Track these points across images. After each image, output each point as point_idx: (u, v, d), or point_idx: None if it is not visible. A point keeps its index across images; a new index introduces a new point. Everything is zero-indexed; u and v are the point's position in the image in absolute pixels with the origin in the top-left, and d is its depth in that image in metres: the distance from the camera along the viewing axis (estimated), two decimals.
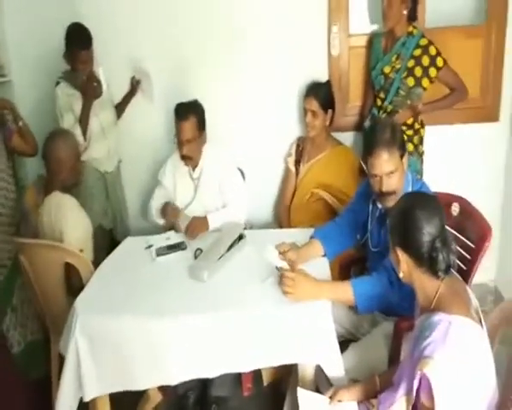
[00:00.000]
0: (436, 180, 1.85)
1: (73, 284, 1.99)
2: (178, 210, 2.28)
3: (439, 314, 1.19)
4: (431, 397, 1.12)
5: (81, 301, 1.74)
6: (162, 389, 2.23)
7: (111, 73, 2.55)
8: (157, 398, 2.24)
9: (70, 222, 2.00)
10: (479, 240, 1.68)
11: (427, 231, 1.22)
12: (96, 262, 2.02)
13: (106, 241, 2.58)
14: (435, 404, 1.11)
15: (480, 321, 1.23)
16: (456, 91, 2.30)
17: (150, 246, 2.10)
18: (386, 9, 2.23)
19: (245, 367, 1.70)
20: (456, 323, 1.17)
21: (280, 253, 1.78)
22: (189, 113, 2.20)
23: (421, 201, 1.29)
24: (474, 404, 1.18)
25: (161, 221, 2.37)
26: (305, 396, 1.46)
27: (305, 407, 1.43)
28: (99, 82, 2.43)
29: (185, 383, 1.77)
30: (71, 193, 2.11)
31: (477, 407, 1.18)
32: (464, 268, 1.70)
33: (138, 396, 2.16)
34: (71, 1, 2.53)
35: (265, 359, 1.66)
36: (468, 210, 1.77)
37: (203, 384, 2.18)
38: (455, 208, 1.29)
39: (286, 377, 2.08)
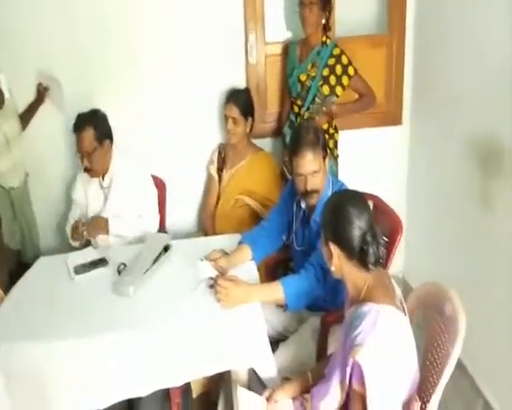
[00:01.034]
0: (350, 180, 1.97)
1: None
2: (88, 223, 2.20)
3: (367, 305, 1.25)
4: (362, 383, 1.18)
5: None
6: None
7: (15, 79, 2.39)
8: None
9: None
10: (392, 233, 1.81)
11: (358, 225, 1.28)
12: (4, 287, 1.87)
13: (13, 263, 2.39)
14: (366, 388, 1.17)
15: (404, 309, 1.32)
16: (365, 97, 2.46)
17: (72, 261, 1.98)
18: (307, 15, 2.30)
19: (179, 381, 1.65)
20: (383, 312, 1.23)
21: (211, 260, 1.78)
22: (86, 124, 2.16)
23: (351, 198, 1.35)
24: (400, 385, 1.26)
25: (76, 244, 2.27)
26: (244, 395, 1.46)
27: (243, 406, 1.43)
28: (0, 91, 2.25)
29: (111, 407, 1.67)
30: None
31: (403, 387, 1.26)
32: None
33: None
34: None
35: (199, 369, 1.64)
36: (380, 207, 1.89)
37: (129, 406, 2.08)
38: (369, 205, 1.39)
39: (215, 386, 2.07)
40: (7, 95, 2.32)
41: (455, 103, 2.32)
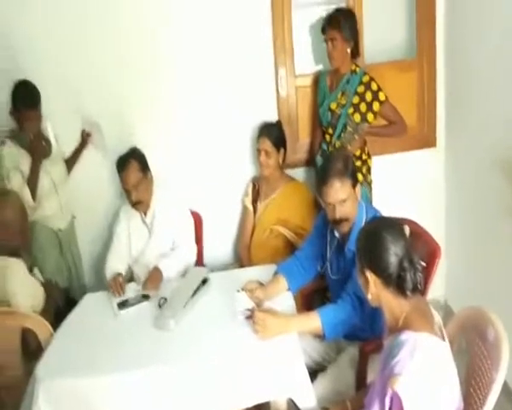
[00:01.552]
0: (384, 206, 1.96)
1: (31, 349, 1.88)
2: (124, 285, 2.18)
3: (406, 333, 1.23)
4: None
5: (43, 365, 1.67)
6: None
7: (59, 126, 2.53)
8: None
9: (17, 287, 1.91)
10: (430, 258, 1.77)
11: (394, 251, 1.27)
12: (52, 323, 1.93)
13: (61, 300, 2.48)
14: None
15: (443, 337, 1.28)
16: (396, 125, 2.45)
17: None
18: (330, 51, 2.35)
19: None
20: (421, 340, 1.21)
21: (247, 291, 1.80)
22: (129, 159, 2.26)
23: (386, 224, 1.34)
24: None
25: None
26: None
27: None
28: (47, 141, 2.40)
29: None
30: (21, 256, 2.02)
31: None
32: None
33: None
34: (13, 55, 2.48)
35: (239, 401, 1.64)
36: (417, 231, 1.86)
37: None
38: (406, 231, 1.36)
39: None
40: (53, 142, 2.46)
41: (488, 124, 2.28)
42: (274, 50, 2.64)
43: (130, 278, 2.40)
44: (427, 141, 2.79)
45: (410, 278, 1.25)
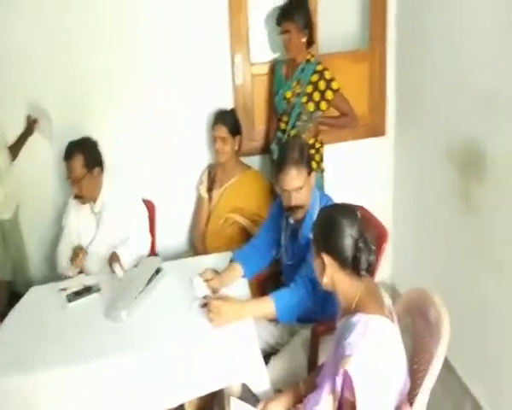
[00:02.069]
0: (336, 192, 2.01)
1: None
2: (82, 260, 2.21)
3: (358, 315, 1.28)
4: (353, 392, 1.20)
5: None
6: None
7: (1, 111, 2.42)
8: None
9: None
10: (378, 242, 1.81)
11: (350, 233, 1.31)
12: None
13: (5, 294, 2.40)
14: (356, 398, 1.19)
15: (393, 319, 1.34)
16: (346, 117, 2.49)
17: (64, 289, 1.99)
18: (286, 42, 2.38)
19: (174, 402, 1.66)
20: (372, 322, 1.26)
21: (205, 280, 1.81)
22: (75, 151, 2.18)
23: (341, 209, 1.39)
24: (390, 392, 1.28)
25: (72, 272, 2.26)
26: (237, 407, 1.47)
27: None
28: None
29: None
30: None
31: (393, 394, 1.28)
32: None
33: None
34: None
35: (195, 389, 1.65)
36: (366, 217, 1.91)
37: None
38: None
39: (209, 404, 2.06)
40: None
41: (436, 113, 2.38)
42: (230, 38, 2.62)
43: (80, 269, 2.32)
44: (378, 130, 2.88)
45: (365, 259, 1.31)
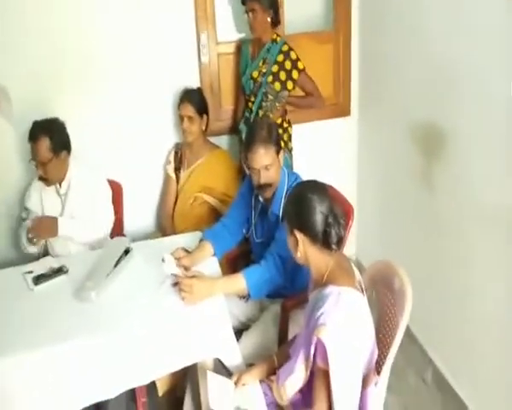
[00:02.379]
0: (304, 171, 2.05)
1: None
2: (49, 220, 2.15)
3: (329, 287, 1.34)
4: (326, 360, 1.26)
5: None
6: None
7: None
8: None
9: None
10: (344, 219, 1.90)
11: (320, 210, 1.36)
12: None
13: None
14: (329, 364, 1.25)
15: (362, 290, 1.41)
16: (312, 97, 2.54)
17: (30, 272, 1.95)
18: (251, 21, 2.37)
19: (148, 378, 1.68)
20: (344, 293, 1.32)
21: (175, 259, 1.81)
22: (41, 133, 2.09)
23: (311, 187, 1.43)
24: (360, 361, 1.35)
25: (34, 249, 2.23)
26: (213, 379, 1.51)
27: (213, 389, 1.48)
28: None
29: None
30: None
31: (362, 362, 1.36)
32: None
33: None
34: None
35: (167, 365, 1.67)
36: (332, 194, 1.96)
37: (97, 408, 2.08)
38: None
39: (180, 382, 2.10)
40: None
41: (398, 93, 2.45)
42: (196, 17, 2.59)
43: (45, 252, 2.30)
44: (343, 110, 2.94)
45: (334, 233, 1.35)
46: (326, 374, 1.27)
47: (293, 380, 1.35)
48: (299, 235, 1.39)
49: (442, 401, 2.17)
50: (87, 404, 1.62)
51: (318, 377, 1.31)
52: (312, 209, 1.36)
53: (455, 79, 1.94)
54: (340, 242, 1.38)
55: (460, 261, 2.04)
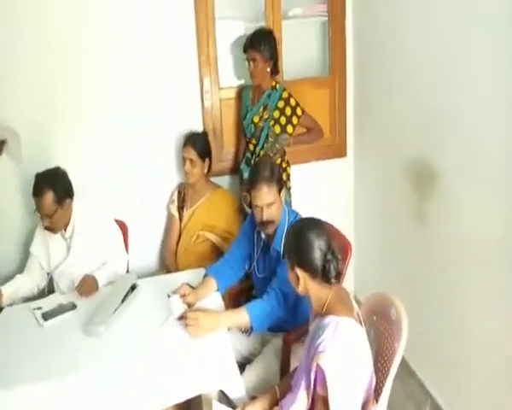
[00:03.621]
0: (302, 209, 2.13)
1: None
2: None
3: (329, 317, 1.40)
4: (325, 386, 1.30)
5: None
6: None
7: None
8: None
9: None
10: (343, 255, 1.96)
11: (318, 246, 1.43)
12: None
13: None
14: (328, 391, 1.29)
15: (360, 321, 1.47)
16: (313, 131, 2.69)
17: (39, 308, 2.00)
18: (252, 70, 2.51)
19: (155, 408, 1.71)
20: (342, 322, 1.38)
21: (181, 296, 1.87)
22: (44, 187, 2.10)
23: (309, 224, 1.51)
24: (359, 388, 1.39)
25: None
26: (219, 409, 1.54)
27: None
28: None
29: None
30: None
31: (360, 389, 1.40)
32: None
33: None
34: None
35: (172, 397, 1.68)
36: (331, 231, 2.04)
37: None
38: None
39: None
40: None
41: (392, 134, 2.58)
42: (199, 63, 2.73)
43: (51, 288, 2.35)
44: (339, 151, 3.07)
45: (333, 268, 1.43)
46: (326, 401, 1.31)
47: (296, 408, 1.39)
48: (299, 271, 1.46)
49: None
50: None
51: (318, 403, 1.35)
52: (311, 246, 1.43)
53: (444, 120, 2.05)
54: (339, 276, 1.45)
55: (453, 292, 2.10)
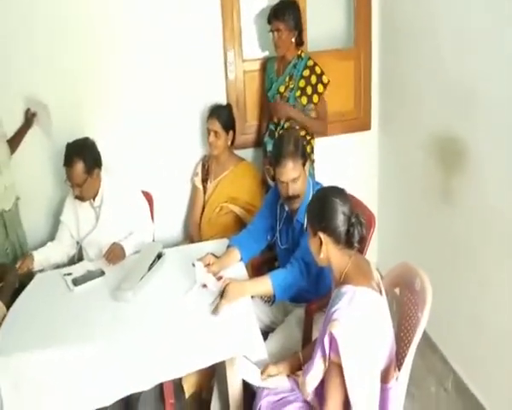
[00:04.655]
0: (325, 183, 2.13)
1: None
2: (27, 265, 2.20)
3: (346, 286, 1.42)
4: (338, 354, 1.33)
5: None
6: None
7: (1, 105, 2.47)
8: None
9: None
10: (366, 227, 1.97)
11: (342, 211, 1.45)
12: (8, 304, 1.94)
13: (17, 281, 2.45)
14: (341, 358, 1.32)
15: (381, 291, 1.48)
16: (319, 121, 2.59)
17: (69, 274, 2.08)
18: (276, 40, 2.49)
19: (180, 373, 1.79)
20: (359, 292, 1.40)
21: (205, 265, 1.92)
22: (74, 157, 2.18)
23: (333, 190, 1.53)
24: (376, 356, 1.41)
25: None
26: (244, 364, 1.61)
27: (243, 365, 1.59)
28: None
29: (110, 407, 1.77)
30: None
31: (378, 357, 1.42)
32: None
33: None
34: None
35: (198, 362, 1.76)
36: (355, 203, 2.03)
37: (127, 408, 2.17)
38: None
39: (207, 384, 2.21)
40: None
41: (418, 107, 2.53)
42: (223, 35, 2.72)
43: (80, 256, 2.43)
44: (363, 124, 3.03)
45: (357, 232, 1.45)
46: (340, 367, 1.34)
47: (313, 375, 1.43)
48: (322, 236, 1.47)
49: (462, 406, 2.20)
50: (121, 396, 1.72)
51: (332, 370, 1.38)
52: (335, 210, 1.45)
53: (472, 93, 2.01)
54: (362, 241, 1.47)
55: (478, 270, 2.09)
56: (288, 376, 1.64)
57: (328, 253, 1.49)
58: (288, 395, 1.57)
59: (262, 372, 1.63)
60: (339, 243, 1.47)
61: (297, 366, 1.63)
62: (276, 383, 1.61)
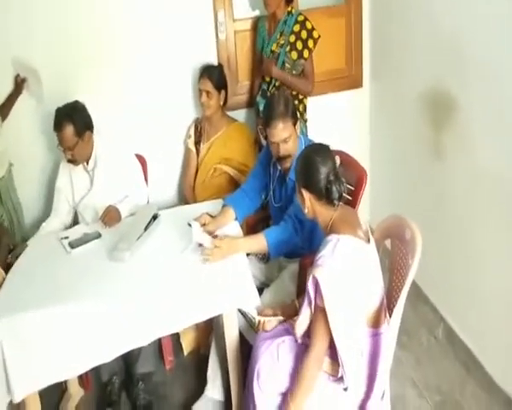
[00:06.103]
0: (318, 140, 2.14)
1: None
2: None
3: (331, 235, 1.48)
4: (322, 299, 1.39)
5: None
6: (83, 382, 2.29)
7: None
8: (78, 394, 2.27)
9: None
10: (358, 183, 2.01)
11: (323, 170, 1.51)
12: (4, 267, 1.97)
13: (13, 243, 2.46)
14: (325, 302, 1.38)
15: (368, 239, 1.53)
16: (305, 79, 2.56)
17: (66, 237, 2.10)
18: None
19: (178, 327, 1.85)
20: (343, 240, 1.45)
21: (201, 225, 1.95)
22: (64, 121, 2.17)
23: (316, 149, 1.59)
24: (360, 301, 1.46)
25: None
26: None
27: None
28: None
29: (109, 368, 1.85)
30: None
31: (364, 302, 1.48)
32: None
33: (59, 397, 2.23)
34: None
35: (196, 316, 1.82)
36: (347, 160, 2.07)
37: (126, 366, 2.26)
38: (337, 160, 1.59)
39: (205, 341, 2.28)
40: None
41: (408, 64, 2.52)
42: None
43: (76, 221, 2.44)
44: (355, 82, 3.02)
45: (336, 189, 1.50)
46: (325, 313, 1.39)
47: (301, 319, 1.50)
48: (305, 192, 1.54)
49: (453, 353, 2.29)
50: (121, 352, 1.78)
51: (317, 315, 1.44)
52: (316, 168, 1.51)
53: (462, 49, 2.00)
54: (341, 197, 1.52)
55: (466, 223, 2.15)
56: (285, 321, 1.70)
57: (313, 207, 1.56)
58: (285, 339, 1.63)
59: (258, 314, 1.70)
60: (320, 200, 1.53)
61: (293, 313, 1.69)
62: (273, 323, 1.68)
